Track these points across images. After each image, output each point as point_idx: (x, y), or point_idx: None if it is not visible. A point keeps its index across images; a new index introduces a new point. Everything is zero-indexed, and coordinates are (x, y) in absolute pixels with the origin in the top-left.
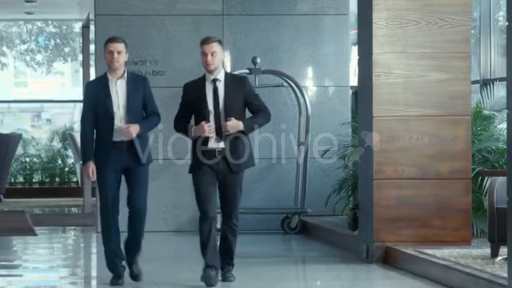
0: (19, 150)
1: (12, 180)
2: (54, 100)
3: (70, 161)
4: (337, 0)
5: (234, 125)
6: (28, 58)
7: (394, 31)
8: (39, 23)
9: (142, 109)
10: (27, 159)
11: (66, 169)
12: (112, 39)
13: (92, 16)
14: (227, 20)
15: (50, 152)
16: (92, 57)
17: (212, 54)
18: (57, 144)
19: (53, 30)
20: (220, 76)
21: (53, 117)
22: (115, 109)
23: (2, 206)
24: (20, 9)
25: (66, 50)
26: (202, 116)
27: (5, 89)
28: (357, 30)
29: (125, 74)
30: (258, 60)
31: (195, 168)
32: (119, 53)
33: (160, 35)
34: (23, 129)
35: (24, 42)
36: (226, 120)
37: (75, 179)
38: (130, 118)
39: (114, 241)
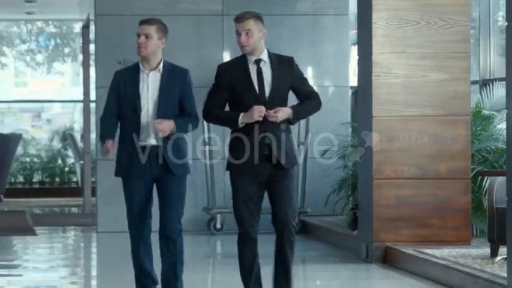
0: (19, 150)
1: (13, 180)
2: (54, 100)
3: (70, 161)
4: (337, 0)
5: (283, 115)
6: (28, 58)
7: (393, 31)
8: (39, 23)
9: (178, 109)
10: (28, 159)
11: (66, 169)
12: (141, 21)
13: (92, 16)
14: (227, 20)
15: (50, 152)
16: (92, 58)
17: (247, 33)
18: (57, 144)
19: (53, 30)
20: (264, 56)
21: (53, 117)
22: (143, 106)
23: (2, 205)
24: (20, 9)
25: (66, 50)
26: (246, 103)
27: (5, 89)
28: (356, 30)
29: (161, 65)
30: None
31: (236, 166)
32: (147, 37)
33: None
34: (23, 129)
35: (24, 42)
36: (270, 109)
37: (75, 179)
38: (160, 118)
39: (145, 265)
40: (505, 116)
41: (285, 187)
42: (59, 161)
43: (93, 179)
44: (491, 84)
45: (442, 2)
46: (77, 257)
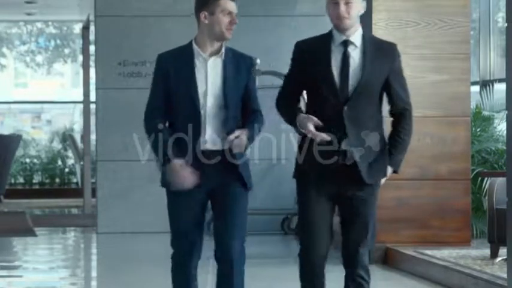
0: (19, 151)
1: (13, 181)
2: (54, 101)
3: (70, 161)
4: None
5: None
6: (28, 59)
7: (393, 32)
8: (39, 24)
9: (241, 104)
10: (28, 160)
11: (66, 170)
12: None
13: (92, 17)
14: None
15: (50, 153)
16: (92, 59)
17: (347, 3)
18: (57, 145)
19: (53, 31)
20: (356, 38)
21: (53, 118)
22: (201, 100)
23: (2, 206)
24: (20, 10)
25: (66, 51)
26: (323, 96)
27: (5, 90)
28: None
29: (223, 49)
30: (258, 61)
31: (304, 175)
32: (235, 15)
33: (160, 36)
34: (23, 130)
35: (24, 43)
36: (352, 110)
37: (75, 180)
38: (222, 116)
39: None
40: (505, 116)
41: (360, 209)
42: (59, 162)
43: (93, 180)
44: (491, 85)
45: (442, 3)
46: (77, 258)
